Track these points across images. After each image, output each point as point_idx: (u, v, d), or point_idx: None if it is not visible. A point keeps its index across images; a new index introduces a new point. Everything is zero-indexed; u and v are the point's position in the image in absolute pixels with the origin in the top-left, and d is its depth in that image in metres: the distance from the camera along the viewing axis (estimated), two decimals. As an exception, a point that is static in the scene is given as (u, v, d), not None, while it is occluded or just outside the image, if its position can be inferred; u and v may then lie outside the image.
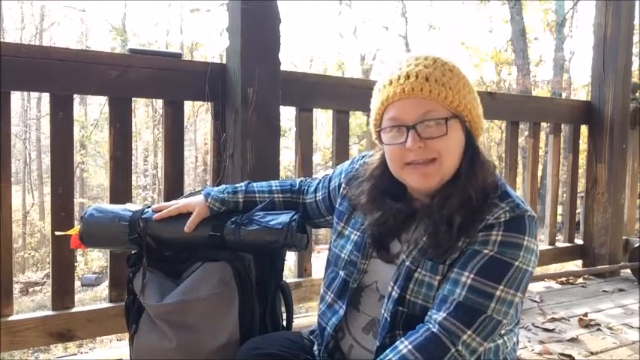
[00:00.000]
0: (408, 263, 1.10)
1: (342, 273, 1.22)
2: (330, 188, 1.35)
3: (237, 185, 1.44)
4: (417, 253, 1.09)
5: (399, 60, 1.13)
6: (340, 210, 1.29)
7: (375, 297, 1.17)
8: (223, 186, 1.44)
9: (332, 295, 1.24)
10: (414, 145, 1.05)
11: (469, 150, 1.11)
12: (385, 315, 1.11)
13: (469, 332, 1.00)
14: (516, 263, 1.03)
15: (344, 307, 1.19)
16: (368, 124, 2.60)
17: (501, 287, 1.02)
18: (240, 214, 1.36)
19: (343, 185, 1.29)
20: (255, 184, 1.45)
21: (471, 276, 1.02)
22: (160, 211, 1.37)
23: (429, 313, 1.05)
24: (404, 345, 1.01)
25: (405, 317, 1.09)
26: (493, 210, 1.06)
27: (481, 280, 1.02)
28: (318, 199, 1.39)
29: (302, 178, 1.48)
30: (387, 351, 1.03)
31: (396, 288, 1.10)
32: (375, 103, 1.15)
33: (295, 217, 1.33)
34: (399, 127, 1.08)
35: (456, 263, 1.06)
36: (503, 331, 1.12)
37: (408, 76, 1.07)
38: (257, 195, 1.42)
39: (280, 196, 1.42)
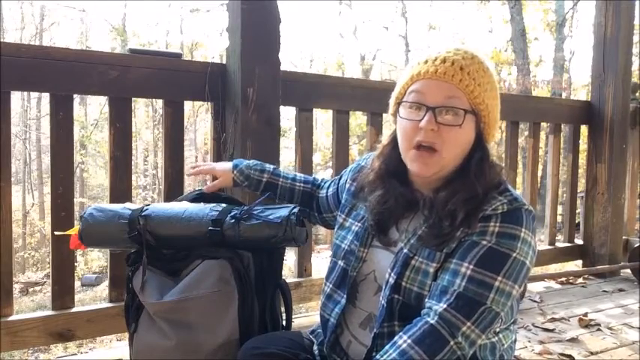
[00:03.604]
0: (405, 250, 1.12)
1: (341, 262, 1.24)
2: (339, 184, 1.41)
3: (267, 165, 1.52)
4: (416, 241, 1.11)
5: (439, 47, 1.16)
6: (344, 204, 1.33)
7: (372, 291, 1.18)
8: (253, 161, 1.53)
9: (331, 286, 1.25)
10: (427, 125, 1.07)
11: (479, 150, 1.13)
12: (382, 302, 1.12)
13: (469, 324, 1.01)
14: (514, 254, 1.04)
15: (345, 296, 1.21)
16: (368, 123, 2.60)
17: (500, 278, 1.02)
18: (241, 208, 1.37)
19: (349, 181, 1.34)
20: (282, 170, 1.53)
21: (471, 267, 1.03)
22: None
23: (427, 304, 1.05)
24: (403, 340, 1.02)
25: (401, 305, 1.10)
26: (491, 202, 1.08)
27: (480, 271, 1.03)
28: (328, 194, 1.45)
29: (323, 177, 1.56)
30: (387, 347, 1.03)
31: (392, 274, 1.11)
32: (404, 77, 1.16)
33: (294, 210, 1.34)
34: (419, 106, 1.09)
35: (454, 253, 1.07)
36: (498, 329, 1.12)
37: (444, 60, 1.09)
38: (281, 179, 1.50)
39: (302, 185, 1.50)
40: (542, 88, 13.17)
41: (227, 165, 1.54)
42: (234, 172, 1.50)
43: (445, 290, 1.03)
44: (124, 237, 1.37)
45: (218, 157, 2.11)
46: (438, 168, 1.10)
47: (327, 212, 1.46)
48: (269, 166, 1.52)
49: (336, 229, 1.32)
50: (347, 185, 1.34)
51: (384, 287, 1.13)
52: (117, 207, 1.43)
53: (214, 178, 1.57)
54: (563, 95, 12.96)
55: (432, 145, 1.08)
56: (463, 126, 1.08)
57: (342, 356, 1.22)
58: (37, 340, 1.84)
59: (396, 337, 1.04)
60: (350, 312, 1.22)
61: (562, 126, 3.35)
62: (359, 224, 1.24)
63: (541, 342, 2.17)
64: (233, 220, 1.33)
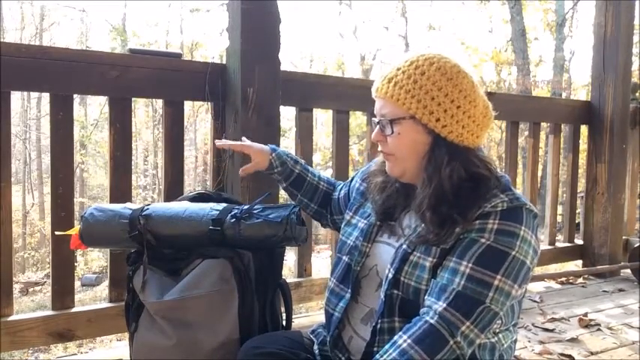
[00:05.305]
0: (404, 246, 1.14)
1: (345, 258, 1.26)
2: (350, 186, 1.44)
3: (299, 159, 1.55)
4: (415, 238, 1.13)
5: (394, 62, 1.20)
6: (352, 202, 1.36)
7: (374, 286, 1.20)
8: (287, 150, 1.55)
9: (334, 281, 1.27)
10: (374, 138, 1.19)
11: (433, 152, 1.12)
12: (382, 296, 1.13)
13: (468, 323, 1.01)
14: (513, 253, 1.04)
15: (349, 290, 1.22)
16: (368, 123, 2.60)
17: (499, 277, 1.03)
18: (241, 207, 1.38)
19: (359, 181, 1.38)
20: (310, 167, 1.57)
21: (470, 265, 1.04)
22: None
23: (427, 302, 1.06)
24: (403, 339, 1.02)
25: (400, 301, 1.11)
26: (491, 199, 1.08)
27: (479, 270, 1.03)
28: (340, 195, 1.48)
29: (338, 180, 1.60)
30: (387, 346, 1.04)
31: (391, 269, 1.13)
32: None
33: (294, 210, 1.35)
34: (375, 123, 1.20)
35: (452, 250, 1.07)
36: (497, 330, 1.13)
37: (383, 77, 1.16)
38: (309, 174, 1.52)
39: (325, 185, 1.54)
40: (542, 88, 13.18)
41: (264, 146, 1.49)
42: (273, 154, 1.47)
43: (444, 289, 1.04)
44: (124, 236, 1.37)
45: (218, 157, 2.11)
46: (399, 170, 1.17)
47: (337, 214, 1.49)
48: (301, 160, 1.54)
49: (342, 226, 1.34)
50: (357, 185, 1.37)
51: (384, 282, 1.14)
52: (117, 207, 1.43)
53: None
54: (563, 95, 12.96)
55: (385, 152, 1.18)
56: (401, 132, 1.13)
57: (343, 352, 1.23)
58: (37, 340, 1.85)
59: (395, 337, 1.05)
60: (352, 307, 1.23)
61: (562, 126, 3.35)
62: (365, 221, 1.26)
63: (541, 342, 2.18)
64: (233, 220, 1.33)
